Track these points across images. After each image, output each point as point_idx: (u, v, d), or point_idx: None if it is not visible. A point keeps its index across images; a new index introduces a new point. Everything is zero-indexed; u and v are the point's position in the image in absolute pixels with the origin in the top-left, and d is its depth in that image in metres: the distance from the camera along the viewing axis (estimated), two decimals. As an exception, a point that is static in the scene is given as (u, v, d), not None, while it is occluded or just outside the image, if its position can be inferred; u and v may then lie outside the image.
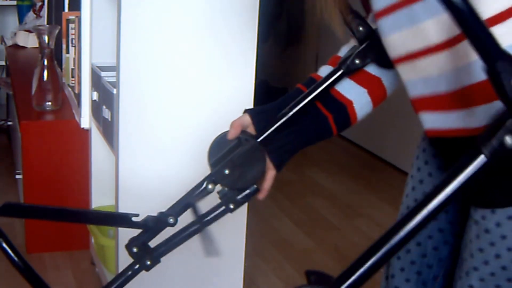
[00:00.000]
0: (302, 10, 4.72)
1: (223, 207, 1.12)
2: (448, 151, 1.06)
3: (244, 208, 1.13)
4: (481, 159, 0.74)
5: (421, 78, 1.01)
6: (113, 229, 2.24)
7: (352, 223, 3.05)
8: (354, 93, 1.17)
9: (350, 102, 1.17)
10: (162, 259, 1.11)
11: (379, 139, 3.89)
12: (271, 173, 1.18)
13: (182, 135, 1.87)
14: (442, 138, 1.02)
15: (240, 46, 1.86)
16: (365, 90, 1.17)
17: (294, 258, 2.69)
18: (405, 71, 1.04)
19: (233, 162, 1.11)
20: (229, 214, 1.13)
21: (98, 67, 2.12)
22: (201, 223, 1.10)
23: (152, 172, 1.86)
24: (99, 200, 2.40)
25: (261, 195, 1.18)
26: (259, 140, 1.13)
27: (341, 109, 1.17)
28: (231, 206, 1.12)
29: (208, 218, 1.11)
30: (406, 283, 1.22)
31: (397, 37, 1.01)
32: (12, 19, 4.22)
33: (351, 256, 2.89)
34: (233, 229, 1.95)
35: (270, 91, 4.54)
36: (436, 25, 0.94)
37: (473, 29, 0.68)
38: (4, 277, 2.36)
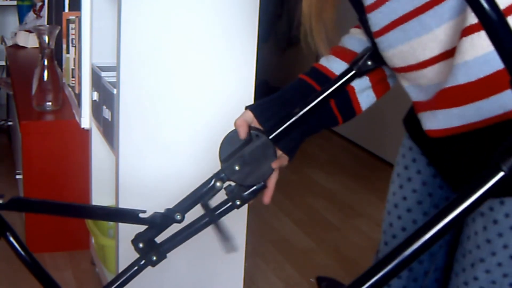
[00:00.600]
0: (302, 10, 4.71)
1: (230, 203, 1.12)
2: (437, 150, 1.06)
3: (244, 208, 1.13)
4: (500, 175, 0.74)
5: (434, 83, 1.00)
6: (113, 229, 2.25)
7: (352, 223, 3.05)
8: (356, 79, 1.17)
9: (352, 88, 1.16)
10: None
11: (379, 139, 3.88)
12: (284, 160, 1.17)
13: (182, 135, 1.87)
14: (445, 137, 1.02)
15: (240, 46, 1.86)
16: (367, 78, 1.16)
17: (294, 258, 2.69)
18: (412, 78, 1.04)
19: (243, 158, 1.11)
20: (229, 214, 1.13)
21: (98, 67, 2.12)
22: (207, 220, 1.10)
23: (152, 172, 1.86)
24: (99, 200, 2.41)
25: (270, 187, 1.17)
26: (270, 137, 1.13)
27: (343, 94, 1.17)
28: (238, 203, 1.12)
29: (215, 214, 1.11)
30: (397, 280, 1.22)
31: (405, 48, 1.01)
32: (12, 19, 4.22)
33: (351, 256, 2.89)
34: (233, 229, 1.95)
35: (270, 91, 4.51)
36: (446, 32, 0.94)
37: (502, 41, 0.67)
38: (5, 277, 2.36)
